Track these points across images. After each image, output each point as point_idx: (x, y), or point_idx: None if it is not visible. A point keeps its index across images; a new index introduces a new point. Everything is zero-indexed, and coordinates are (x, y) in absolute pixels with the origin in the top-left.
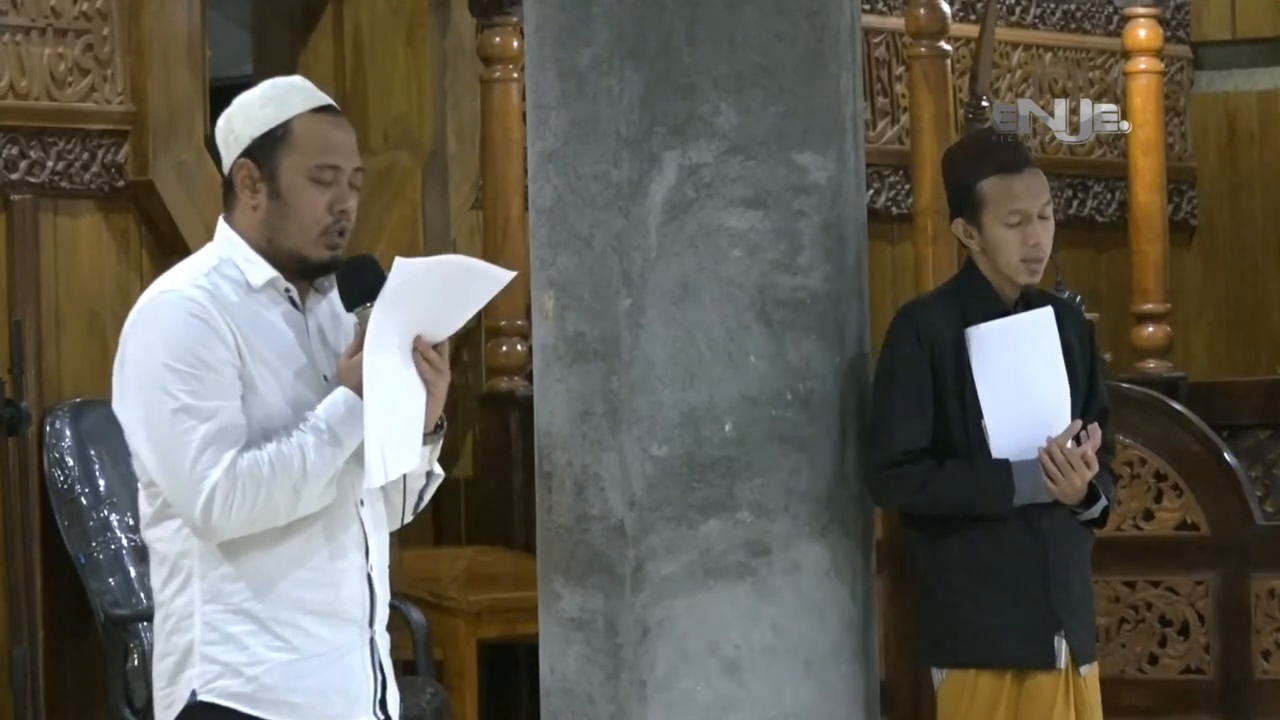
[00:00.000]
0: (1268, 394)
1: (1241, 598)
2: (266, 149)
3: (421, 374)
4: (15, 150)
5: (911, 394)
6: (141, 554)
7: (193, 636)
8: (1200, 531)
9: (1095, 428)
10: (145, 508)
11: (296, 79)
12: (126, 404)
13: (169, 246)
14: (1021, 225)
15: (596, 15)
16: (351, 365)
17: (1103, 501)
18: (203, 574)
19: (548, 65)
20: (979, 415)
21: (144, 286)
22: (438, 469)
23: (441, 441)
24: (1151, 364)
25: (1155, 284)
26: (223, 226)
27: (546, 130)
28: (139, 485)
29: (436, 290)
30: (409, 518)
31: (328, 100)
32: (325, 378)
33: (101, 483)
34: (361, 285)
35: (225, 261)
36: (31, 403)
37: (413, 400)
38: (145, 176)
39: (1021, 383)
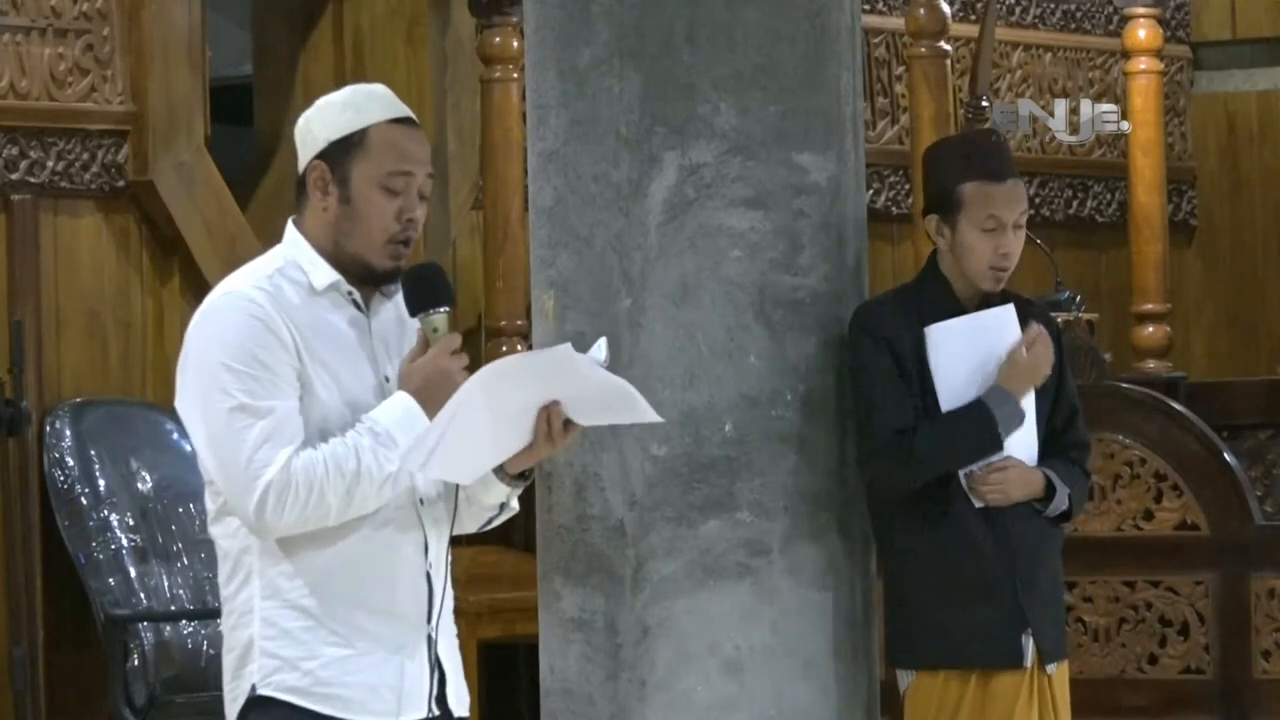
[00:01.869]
0: (1268, 394)
1: (1241, 598)
2: (341, 154)
3: (537, 429)
4: (15, 150)
5: (885, 381)
6: (141, 554)
7: (252, 632)
8: (1200, 531)
9: (1034, 326)
10: (209, 505)
11: (378, 88)
12: (187, 402)
13: (169, 246)
14: (995, 233)
15: (596, 15)
16: (412, 370)
17: (1064, 492)
18: (262, 571)
19: (548, 65)
20: (939, 413)
21: (144, 286)
22: (514, 504)
23: (524, 488)
24: (1151, 364)
25: (1155, 284)
26: (290, 229)
27: (546, 130)
28: (205, 483)
29: (591, 390)
30: (468, 530)
31: (407, 112)
32: (386, 379)
33: (101, 483)
34: (427, 291)
35: (290, 264)
36: (31, 403)
37: (500, 439)
38: (145, 176)
39: (983, 380)
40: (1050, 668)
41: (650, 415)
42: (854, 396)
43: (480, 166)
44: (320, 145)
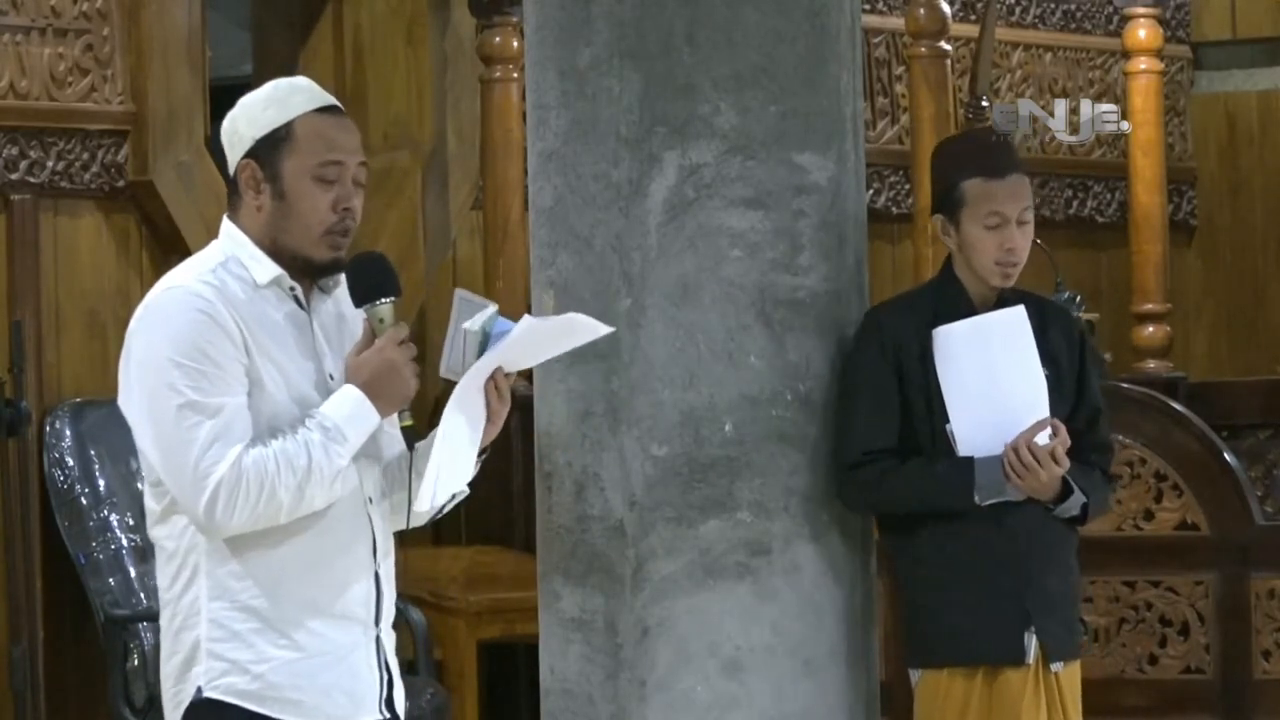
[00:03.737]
0: (1268, 394)
1: (1241, 598)
2: (269, 150)
3: (489, 401)
4: (15, 150)
5: (874, 396)
6: (141, 554)
7: (199, 634)
8: (1200, 531)
9: (1061, 425)
10: (152, 504)
11: (300, 80)
12: (132, 401)
13: (169, 246)
14: (999, 229)
15: (596, 15)
16: (360, 362)
17: (1078, 497)
18: (209, 571)
19: (548, 65)
20: (946, 418)
21: (144, 286)
22: (466, 487)
23: (480, 463)
24: (1151, 364)
25: (1155, 284)
26: (227, 224)
27: (546, 130)
28: (145, 483)
29: (541, 339)
30: (417, 523)
31: (331, 100)
32: (331, 376)
33: (101, 483)
34: (371, 281)
35: (231, 259)
36: (31, 403)
37: (474, 427)
38: (145, 176)
39: (992, 383)
40: (1056, 666)
41: (598, 328)
42: (839, 392)
43: (480, 166)
44: (248, 144)
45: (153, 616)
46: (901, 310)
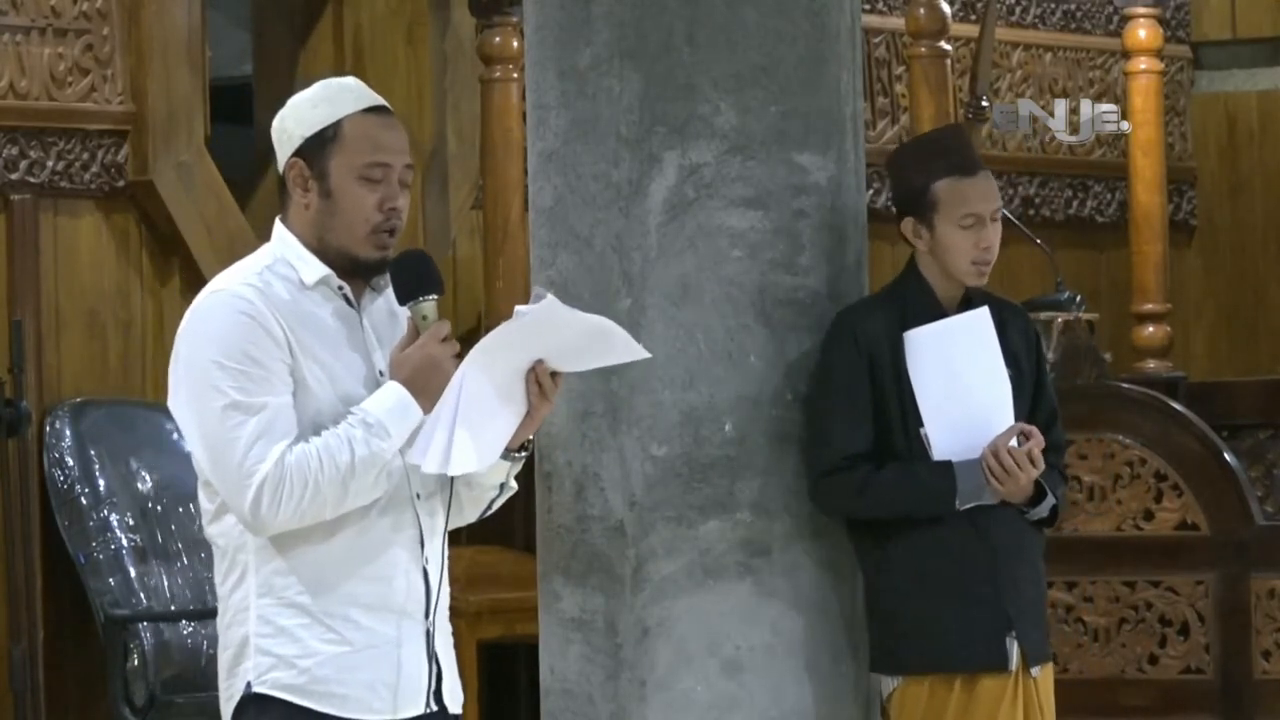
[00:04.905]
0: (1268, 394)
1: (1241, 598)
2: (317, 148)
3: (529, 395)
4: (15, 150)
5: (849, 399)
6: (141, 554)
7: (248, 630)
8: (1200, 531)
9: (1034, 429)
10: (206, 504)
11: (349, 80)
12: (179, 402)
13: (169, 246)
14: (975, 228)
15: (596, 15)
16: (403, 359)
17: (1050, 500)
18: (257, 568)
19: (548, 65)
20: (919, 421)
21: (144, 286)
22: (513, 483)
23: (524, 461)
24: (1151, 364)
25: (1155, 284)
26: (278, 226)
27: (546, 130)
28: (199, 482)
29: (573, 336)
30: (468, 519)
31: (380, 100)
32: (381, 373)
33: (101, 483)
34: (414, 279)
35: (279, 260)
36: (31, 403)
37: (505, 414)
38: (145, 176)
39: (960, 385)
40: (1035, 670)
41: (637, 350)
42: (814, 395)
43: (480, 166)
44: (296, 142)
45: (152, 616)
46: (872, 313)
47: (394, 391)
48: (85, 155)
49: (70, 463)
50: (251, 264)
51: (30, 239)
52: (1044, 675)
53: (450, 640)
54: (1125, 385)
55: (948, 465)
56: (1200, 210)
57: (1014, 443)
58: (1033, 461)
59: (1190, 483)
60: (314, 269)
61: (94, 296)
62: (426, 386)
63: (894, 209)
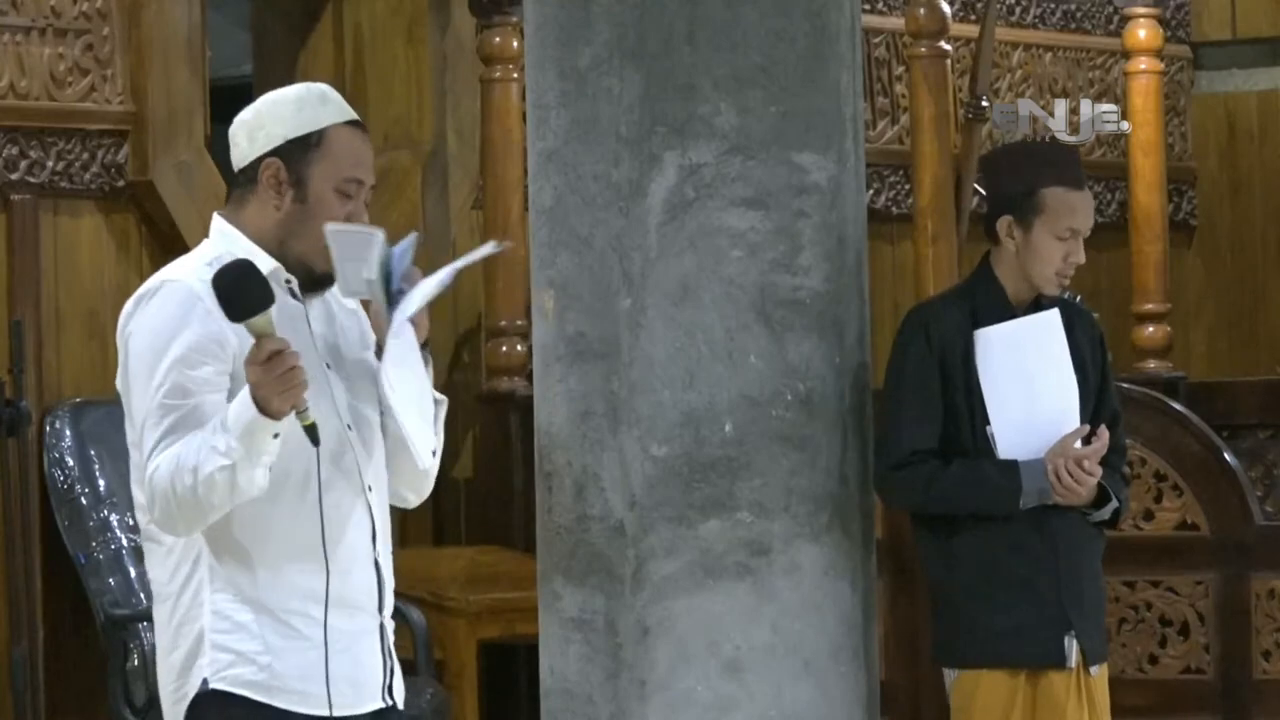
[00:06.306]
0: (1268, 394)
1: (1241, 598)
2: (299, 153)
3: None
4: (15, 150)
5: (920, 395)
6: (141, 554)
7: (202, 625)
8: (1200, 531)
9: (1104, 430)
10: (141, 498)
11: (329, 90)
12: (124, 390)
13: (169, 246)
14: (1069, 241)
15: (596, 15)
16: (249, 368)
17: (1113, 503)
18: (211, 562)
19: (548, 65)
20: (986, 418)
21: None
22: (438, 395)
23: (432, 361)
24: (1151, 364)
25: (1155, 284)
26: (218, 222)
27: (546, 130)
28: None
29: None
30: (432, 460)
31: (356, 115)
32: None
33: (101, 483)
34: (246, 299)
35: (225, 255)
36: (31, 403)
37: (420, 377)
38: (145, 176)
39: (1028, 385)
40: (1094, 670)
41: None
42: (884, 394)
43: (480, 166)
44: (276, 142)
45: (153, 616)
46: (945, 310)
47: (244, 397)
48: (85, 155)
49: (70, 463)
50: (199, 257)
51: (30, 239)
52: (1101, 675)
53: (392, 635)
54: (1125, 385)
55: (1014, 465)
56: (1200, 210)
57: (1078, 444)
58: (1087, 470)
59: (1190, 483)
60: (264, 262)
61: (94, 296)
62: (260, 394)
63: (986, 206)
